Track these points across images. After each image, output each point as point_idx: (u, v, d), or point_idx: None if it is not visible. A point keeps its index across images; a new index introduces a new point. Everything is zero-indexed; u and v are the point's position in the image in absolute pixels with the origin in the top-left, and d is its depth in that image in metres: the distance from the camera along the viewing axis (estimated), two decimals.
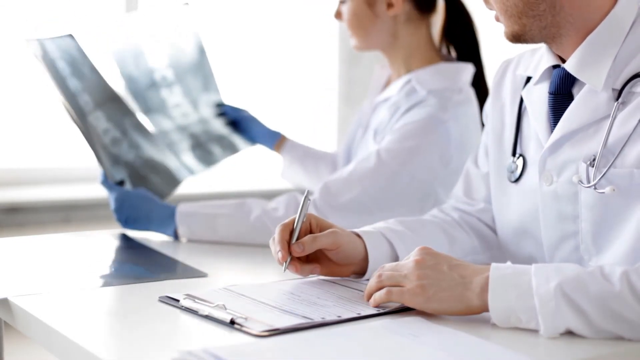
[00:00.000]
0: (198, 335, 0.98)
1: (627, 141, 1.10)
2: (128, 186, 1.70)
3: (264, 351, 0.89)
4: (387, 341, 0.93)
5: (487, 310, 1.00)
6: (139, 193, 1.65)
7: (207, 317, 1.02)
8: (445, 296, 1.02)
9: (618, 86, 1.13)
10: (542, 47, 1.26)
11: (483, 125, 1.44)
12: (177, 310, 1.06)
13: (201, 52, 1.89)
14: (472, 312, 1.02)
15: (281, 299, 1.10)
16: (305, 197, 1.20)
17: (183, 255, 1.48)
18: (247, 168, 3.37)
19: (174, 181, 1.83)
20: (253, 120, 1.98)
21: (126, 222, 1.65)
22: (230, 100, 2.01)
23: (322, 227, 1.22)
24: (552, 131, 1.21)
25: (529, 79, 1.30)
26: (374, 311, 1.06)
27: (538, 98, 1.24)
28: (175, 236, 1.62)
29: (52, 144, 3.08)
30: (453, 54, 1.81)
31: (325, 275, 1.23)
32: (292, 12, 3.62)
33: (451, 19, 1.77)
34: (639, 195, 1.09)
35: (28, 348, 2.08)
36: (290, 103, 3.63)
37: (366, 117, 1.83)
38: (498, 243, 1.38)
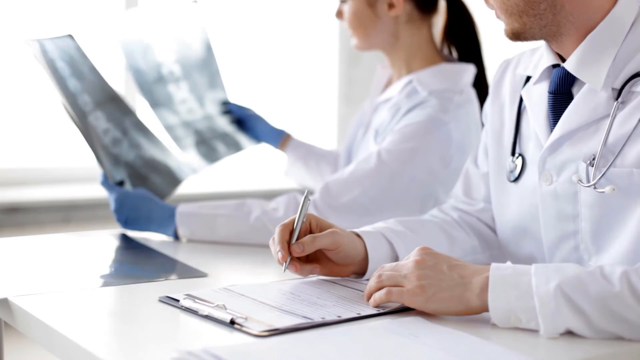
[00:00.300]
0: (198, 335, 0.98)
1: (627, 141, 1.10)
2: (128, 186, 1.70)
3: (264, 351, 0.89)
4: (387, 341, 0.93)
5: (486, 310, 1.00)
6: (139, 193, 1.65)
7: (207, 317, 1.02)
8: (445, 296, 1.02)
9: (618, 85, 1.13)
10: (541, 46, 1.26)
11: (483, 125, 1.44)
12: (177, 310, 1.06)
13: (208, 49, 1.90)
14: (471, 312, 1.02)
15: (281, 299, 1.10)
16: (305, 197, 1.20)
17: (183, 255, 1.48)
18: (248, 168, 3.37)
19: (175, 181, 1.83)
20: (258, 118, 1.98)
21: (126, 222, 1.65)
22: (234, 99, 2.01)
23: (322, 227, 1.22)
24: (551, 131, 1.21)
25: (528, 78, 1.30)
26: (374, 311, 1.06)
27: (537, 97, 1.24)
28: (176, 236, 1.62)
29: (52, 144, 3.08)
30: (454, 54, 1.80)
31: (325, 275, 1.23)
32: (293, 12, 3.62)
33: (453, 19, 1.77)
34: (638, 194, 1.09)
35: (28, 348, 2.08)
36: (290, 103, 3.63)
37: (367, 117, 1.83)
38: (498, 243, 1.38)
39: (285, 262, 1.17)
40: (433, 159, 1.62)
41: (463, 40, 1.79)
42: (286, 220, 1.20)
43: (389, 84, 1.85)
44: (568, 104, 1.18)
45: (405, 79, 1.73)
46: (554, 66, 1.22)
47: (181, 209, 1.61)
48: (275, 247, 1.18)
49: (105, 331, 1.02)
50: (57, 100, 1.64)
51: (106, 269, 1.37)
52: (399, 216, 1.49)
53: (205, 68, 1.91)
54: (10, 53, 2.93)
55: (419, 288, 1.03)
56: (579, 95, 1.17)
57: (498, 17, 1.21)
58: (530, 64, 1.30)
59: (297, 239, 1.18)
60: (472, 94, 1.72)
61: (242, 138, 1.98)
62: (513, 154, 1.29)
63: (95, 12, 3.07)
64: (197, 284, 1.23)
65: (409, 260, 1.07)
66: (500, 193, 1.33)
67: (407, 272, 1.06)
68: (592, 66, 1.15)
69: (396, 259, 1.26)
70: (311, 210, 1.56)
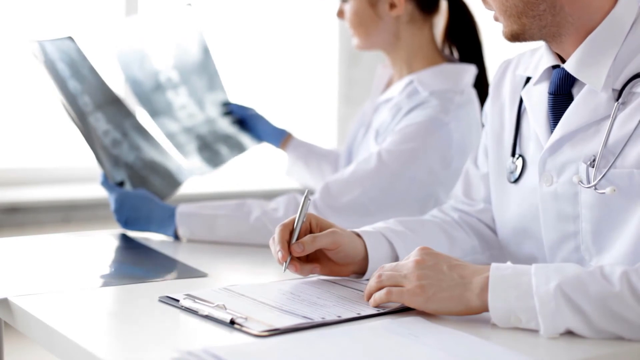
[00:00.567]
0: (198, 335, 0.98)
1: (627, 141, 1.10)
2: (128, 187, 1.70)
3: (264, 351, 0.89)
4: (387, 341, 0.93)
5: (486, 310, 1.00)
6: (139, 194, 1.65)
7: (207, 317, 1.02)
8: (445, 296, 1.02)
9: (618, 86, 1.13)
10: (541, 47, 1.26)
11: (483, 125, 1.44)
12: (177, 310, 1.06)
13: (205, 51, 1.89)
14: (471, 313, 1.02)
15: (281, 299, 1.10)
16: (306, 197, 1.20)
17: (183, 255, 1.48)
18: (248, 168, 3.37)
19: (175, 183, 1.83)
20: (259, 118, 1.98)
21: (126, 223, 1.65)
22: (235, 99, 2.01)
23: (322, 226, 1.22)
24: (551, 131, 1.20)
25: (528, 79, 1.30)
26: (374, 311, 1.06)
27: (537, 98, 1.24)
28: (176, 237, 1.62)
29: (52, 144, 3.08)
30: (455, 54, 1.80)
31: (326, 274, 1.23)
32: (293, 12, 3.62)
33: (454, 20, 1.77)
34: (639, 195, 1.09)
35: (28, 348, 2.08)
36: (290, 103, 3.63)
37: (368, 117, 1.83)
38: (498, 243, 1.38)
39: (285, 262, 1.17)
40: (433, 159, 1.62)
41: (464, 41, 1.79)
42: (286, 220, 1.20)
43: (389, 84, 1.85)
44: (568, 105, 1.18)
45: (406, 79, 1.73)
46: (554, 67, 1.22)
47: (181, 209, 1.61)
48: (275, 246, 1.18)
49: (105, 331, 1.02)
50: (57, 101, 1.64)
51: (106, 269, 1.37)
52: (399, 216, 1.49)
53: (203, 70, 1.90)
54: (10, 53, 2.93)
55: (419, 288, 1.03)
56: (579, 96, 1.17)
57: (496, 19, 1.21)
58: (530, 65, 1.29)
59: (297, 239, 1.18)
60: (473, 94, 1.71)
61: (244, 139, 1.98)
62: (513, 154, 1.29)
63: (95, 17, 3.07)
64: (197, 284, 1.23)
65: (409, 260, 1.07)
66: (500, 194, 1.33)
67: (407, 272, 1.06)
68: (592, 67, 1.15)
69: (396, 258, 1.26)
70: (311, 210, 1.56)
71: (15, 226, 2.73)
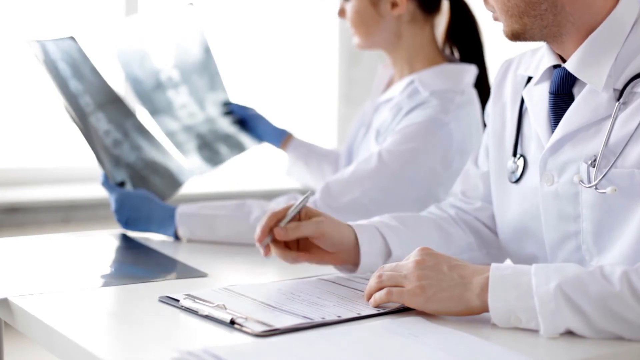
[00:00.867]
0: (198, 335, 0.98)
1: (628, 141, 1.10)
2: (129, 187, 1.70)
3: (263, 351, 0.89)
4: (387, 341, 0.93)
5: (487, 310, 1.00)
6: (139, 194, 1.65)
7: (207, 317, 1.02)
8: (445, 297, 1.02)
9: (619, 86, 1.13)
10: (542, 47, 1.26)
11: (485, 125, 1.44)
12: (177, 310, 1.06)
13: (206, 51, 1.89)
14: (472, 313, 1.02)
15: (281, 299, 1.10)
16: (306, 196, 1.21)
17: (183, 255, 1.48)
18: (248, 168, 3.37)
19: (176, 183, 1.83)
20: (260, 118, 1.98)
21: (127, 223, 1.65)
22: (235, 99, 2.01)
23: (311, 216, 1.23)
24: (552, 131, 1.20)
25: (529, 79, 1.30)
26: (374, 311, 1.06)
27: (538, 98, 1.24)
28: (176, 237, 1.62)
29: (52, 144, 3.08)
30: (456, 55, 1.80)
31: (317, 263, 1.24)
32: (293, 12, 3.62)
33: (455, 20, 1.77)
34: (639, 195, 1.09)
35: (28, 348, 2.08)
36: (290, 103, 3.63)
37: (368, 117, 1.83)
38: (496, 241, 1.38)
39: (261, 244, 1.20)
40: (434, 159, 1.62)
41: (465, 41, 1.78)
42: (278, 208, 1.22)
43: (390, 83, 1.84)
44: (569, 105, 1.18)
45: (406, 79, 1.73)
46: (555, 67, 1.22)
47: (181, 209, 1.61)
48: (257, 228, 1.21)
49: (105, 331, 1.02)
50: (57, 101, 1.64)
51: (106, 269, 1.37)
52: None
53: (204, 70, 1.90)
54: (10, 53, 2.93)
55: (419, 288, 1.03)
56: (580, 96, 1.17)
57: (496, 19, 1.21)
58: (532, 65, 1.29)
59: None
60: (474, 94, 1.71)
61: (244, 138, 1.98)
62: (514, 154, 1.29)
63: (95, 17, 3.07)
64: (197, 284, 1.23)
65: (409, 260, 1.07)
66: (501, 194, 1.33)
67: (407, 272, 1.06)
68: (593, 67, 1.15)
69: (389, 253, 1.27)
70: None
71: (15, 226, 2.73)
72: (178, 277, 1.29)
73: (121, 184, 1.68)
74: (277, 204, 1.60)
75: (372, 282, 1.09)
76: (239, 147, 1.98)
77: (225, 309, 1.02)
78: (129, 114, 1.73)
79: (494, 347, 0.92)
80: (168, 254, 1.47)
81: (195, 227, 1.60)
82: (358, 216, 1.60)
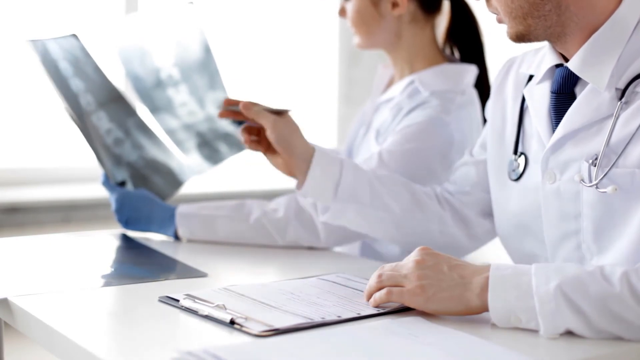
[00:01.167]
0: (198, 335, 0.98)
1: (629, 141, 1.10)
2: (129, 187, 1.70)
3: (264, 351, 0.89)
4: (387, 341, 0.93)
5: (487, 310, 1.00)
6: (139, 194, 1.65)
7: (207, 317, 1.02)
8: (445, 296, 1.02)
9: (621, 86, 1.13)
10: (545, 46, 1.26)
11: (485, 120, 1.45)
12: (177, 310, 1.06)
13: (206, 50, 1.89)
14: (472, 313, 1.02)
15: (281, 299, 1.10)
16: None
17: (183, 255, 1.48)
18: (247, 168, 3.37)
19: (177, 182, 1.83)
20: None
21: (127, 223, 1.65)
22: (235, 98, 2.00)
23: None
24: (553, 130, 1.20)
25: (531, 77, 1.30)
26: (374, 311, 1.06)
27: (539, 97, 1.24)
28: (176, 237, 1.62)
29: (52, 144, 3.08)
30: (456, 55, 1.80)
31: (269, 160, 1.41)
32: (293, 11, 3.62)
33: (456, 20, 1.77)
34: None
35: (28, 348, 2.08)
36: (290, 102, 3.63)
37: (368, 117, 1.83)
38: (481, 225, 1.44)
39: (228, 104, 1.40)
40: (434, 159, 1.62)
41: (466, 41, 1.78)
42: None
43: (390, 83, 1.84)
44: (570, 104, 1.18)
45: (407, 79, 1.73)
46: (557, 66, 1.22)
47: (181, 209, 1.61)
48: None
49: (105, 331, 1.02)
50: (58, 101, 1.64)
51: (106, 269, 1.37)
52: None
53: (204, 69, 1.90)
54: (10, 53, 2.93)
55: (419, 288, 1.03)
56: (582, 95, 1.17)
57: (500, 21, 1.21)
58: (533, 63, 1.30)
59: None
60: (474, 94, 1.71)
61: None
62: (515, 152, 1.29)
63: (96, 16, 3.07)
64: (197, 284, 1.23)
65: (409, 260, 1.07)
66: (501, 191, 1.33)
67: (407, 272, 1.06)
68: (595, 66, 1.14)
69: (337, 184, 1.36)
70: (312, 209, 1.57)
71: (15, 226, 2.72)
72: (178, 277, 1.29)
73: (122, 184, 1.68)
74: (277, 204, 1.60)
75: (372, 281, 1.09)
76: (238, 146, 1.98)
77: (225, 309, 1.02)
78: (130, 112, 1.73)
79: (494, 347, 0.92)
80: (168, 254, 1.47)
81: (195, 227, 1.60)
82: None
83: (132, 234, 1.67)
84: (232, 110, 1.41)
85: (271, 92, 3.56)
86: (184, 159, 1.87)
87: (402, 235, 1.44)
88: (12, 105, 3.00)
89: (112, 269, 1.37)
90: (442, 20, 1.78)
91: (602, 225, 1.14)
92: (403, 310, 1.06)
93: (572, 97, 1.19)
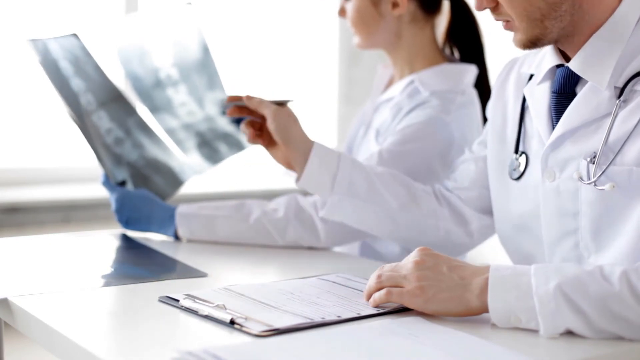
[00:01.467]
0: (198, 335, 0.98)
1: (627, 139, 1.10)
2: (130, 187, 1.70)
3: (264, 351, 0.89)
4: (387, 341, 0.93)
5: (486, 311, 1.00)
6: (140, 194, 1.65)
7: (207, 317, 1.02)
8: (445, 297, 1.02)
9: (620, 84, 1.13)
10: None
11: (486, 119, 1.45)
12: (177, 310, 1.06)
13: (205, 50, 1.89)
14: (471, 313, 1.02)
15: (281, 299, 1.10)
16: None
17: (183, 255, 1.48)
18: (247, 168, 3.37)
19: (177, 182, 1.83)
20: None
21: (127, 223, 1.65)
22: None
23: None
24: (553, 129, 1.21)
25: (531, 76, 1.30)
26: (374, 311, 1.06)
27: (539, 96, 1.24)
28: (176, 237, 1.62)
29: (52, 144, 3.08)
30: (456, 55, 1.80)
31: (266, 147, 1.44)
32: (293, 11, 3.62)
33: (456, 20, 1.77)
34: (637, 193, 1.09)
35: (28, 348, 2.08)
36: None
37: (368, 117, 1.83)
38: (479, 221, 1.44)
39: (231, 100, 1.43)
40: (434, 159, 1.62)
41: (466, 42, 1.78)
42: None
43: (390, 83, 1.84)
44: (570, 103, 1.18)
45: (407, 79, 1.73)
46: (558, 66, 1.22)
47: (181, 209, 1.61)
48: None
49: (105, 331, 1.02)
50: (58, 101, 1.64)
51: (106, 269, 1.37)
52: None
53: (203, 69, 1.90)
54: (10, 53, 2.93)
55: (418, 289, 1.03)
56: (581, 94, 1.17)
57: (509, 28, 1.18)
58: (534, 63, 1.29)
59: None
60: (474, 94, 1.71)
61: (243, 137, 1.98)
62: (516, 151, 1.29)
63: (95, 16, 3.07)
64: (197, 284, 1.23)
65: (408, 261, 1.07)
66: (501, 190, 1.33)
67: (406, 272, 1.06)
68: (597, 66, 1.14)
69: (334, 177, 1.38)
70: (312, 209, 1.57)
71: (15, 226, 2.73)
72: (178, 277, 1.29)
73: (122, 183, 1.68)
74: (277, 204, 1.61)
75: (372, 282, 1.09)
76: (237, 146, 1.98)
77: (225, 309, 1.02)
78: (131, 111, 1.73)
79: (494, 347, 0.92)
80: (168, 254, 1.47)
81: (195, 227, 1.60)
82: None
83: (132, 234, 1.67)
84: (237, 105, 1.46)
85: (271, 92, 3.56)
86: (184, 159, 1.87)
87: (398, 230, 1.44)
88: (12, 105, 3.00)
89: (112, 269, 1.37)
90: (442, 20, 1.78)
91: (601, 223, 1.14)
92: (403, 310, 1.06)
93: (573, 97, 1.19)
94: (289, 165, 1.44)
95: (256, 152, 2.09)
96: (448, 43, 1.80)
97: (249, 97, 1.43)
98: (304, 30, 3.66)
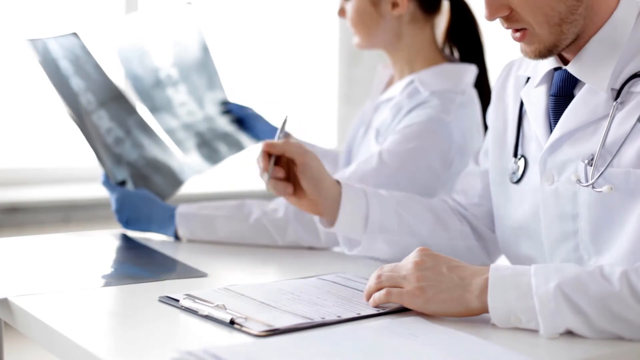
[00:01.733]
0: (198, 335, 0.98)
1: (624, 141, 1.10)
2: (130, 186, 1.70)
3: (264, 351, 0.89)
4: (387, 341, 0.93)
5: (486, 311, 1.00)
6: (140, 194, 1.65)
7: (207, 317, 1.02)
8: (445, 298, 1.02)
9: (617, 86, 1.13)
10: None
11: (486, 126, 1.45)
12: (177, 310, 1.06)
13: (205, 50, 1.90)
14: (471, 314, 1.02)
15: (281, 299, 1.10)
16: (286, 119, 1.32)
17: (183, 255, 1.48)
18: (247, 168, 3.37)
19: (177, 182, 1.83)
20: (258, 117, 1.98)
21: (127, 222, 1.65)
22: (234, 98, 2.01)
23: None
24: (551, 132, 1.20)
25: (528, 79, 1.30)
26: (373, 311, 1.06)
27: (537, 99, 1.24)
28: (176, 237, 1.62)
29: (52, 144, 3.08)
30: (456, 55, 1.80)
31: (296, 203, 1.32)
32: (293, 11, 3.62)
33: (456, 20, 1.77)
34: (635, 194, 1.09)
35: (28, 348, 2.08)
36: (290, 102, 3.63)
37: (368, 117, 1.83)
38: (492, 237, 1.41)
39: (267, 174, 1.26)
40: (434, 159, 1.62)
41: (466, 41, 1.78)
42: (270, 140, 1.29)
43: (390, 83, 1.84)
44: (568, 105, 1.18)
45: (406, 79, 1.73)
46: (555, 69, 1.22)
47: (181, 209, 1.61)
48: (258, 162, 1.27)
49: (105, 331, 1.02)
50: (58, 101, 1.64)
51: (106, 269, 1.37)
52: None
53: (203, 69, 1.91)
54: (10, 53, 2.93)
55: (418, 289, 1.03)
56: (579, 96, 1.17)
57: (523, 37, 1.14)
58: (530, 66, 1.29)
59: (277, 163, 1.28)
60: (474, 94, 1.71)
61: (243, 137, 1.98)
62: (515, 155, 1.29)
63: (95, 16, 3.07)
64: (197, 284, 1.23)
65: (408, 261, 1.07)
66: (501, 194, 1.33)
67: (406, 273, 1.06)
68: (596, 69, 1.14)
69: (367, 218, 1.33)
70: None
71: (15, 226, 2.73)
72: (178, 277, 1.29)
73: (122, 183, 1.68)
74: (277, 204, 1.61)
75: (371, 282, 1.09)
76: (237, 146, 1.98)
77: (225, 309, 1.02)
78: (131, 111, 1.72)
79: (494, 347, 0.92)
80: (168, 254, 1.47)
81: (195, 227, 1.60)
82: None
83: (132, 234, 1.67)
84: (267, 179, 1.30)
85: (271, 92, 3.56)
86: (184, 159, 1.88)
87: None
88: (12, 105, 3.00)
89: (112, 269, 1.37)
90: (442, 20, 1.78)
91: (599, 225, 1.14)
92: (403, 311, 1.06)
93: (570, 99, 1.19)
94: (317, 212, 1.34)
95: (255, 152, 2.10)
96: (448, 43, 1.80)
97: (270, 144, 1.28)
98: (304, 31, 3.66)
